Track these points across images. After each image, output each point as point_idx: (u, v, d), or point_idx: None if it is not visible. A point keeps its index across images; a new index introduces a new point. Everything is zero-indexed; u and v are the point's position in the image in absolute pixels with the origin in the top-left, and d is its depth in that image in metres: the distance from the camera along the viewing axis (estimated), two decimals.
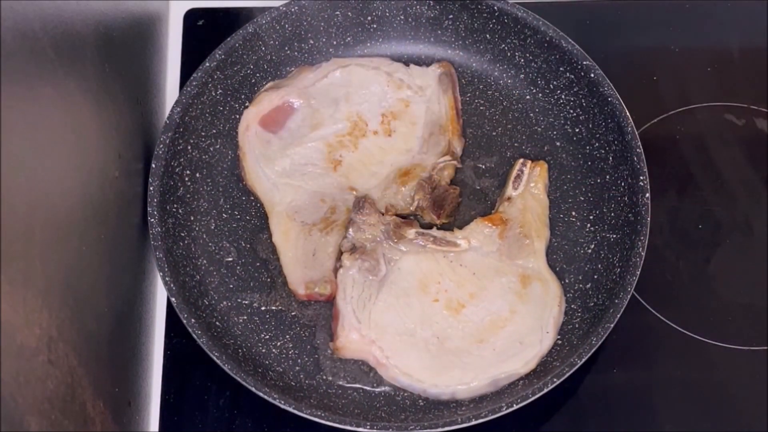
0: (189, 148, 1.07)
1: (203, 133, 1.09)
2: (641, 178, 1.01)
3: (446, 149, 1.08)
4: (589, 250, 1.05)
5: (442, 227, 1.06)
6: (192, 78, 1.07)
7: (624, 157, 1.04)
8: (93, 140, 0.91)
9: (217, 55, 1.08)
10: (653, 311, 1.05)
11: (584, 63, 1.07)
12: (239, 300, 1.03)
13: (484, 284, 1.01)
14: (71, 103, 0.84)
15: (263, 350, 1.01)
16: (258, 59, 1.12)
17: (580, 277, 1.04)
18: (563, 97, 1.11)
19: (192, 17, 1.21)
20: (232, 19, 1.20)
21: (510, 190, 1.06)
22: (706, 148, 1.14)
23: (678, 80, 1.18)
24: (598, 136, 1.08)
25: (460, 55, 1.15)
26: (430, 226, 1.06)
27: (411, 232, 1.03)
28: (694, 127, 1.15)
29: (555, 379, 0.93)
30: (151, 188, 1.02)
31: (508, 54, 1.13)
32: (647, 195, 1.01)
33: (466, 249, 1.03)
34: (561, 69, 1.10)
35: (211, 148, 1.09)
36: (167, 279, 0.98)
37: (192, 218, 1.06)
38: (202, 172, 1.08)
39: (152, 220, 1.01)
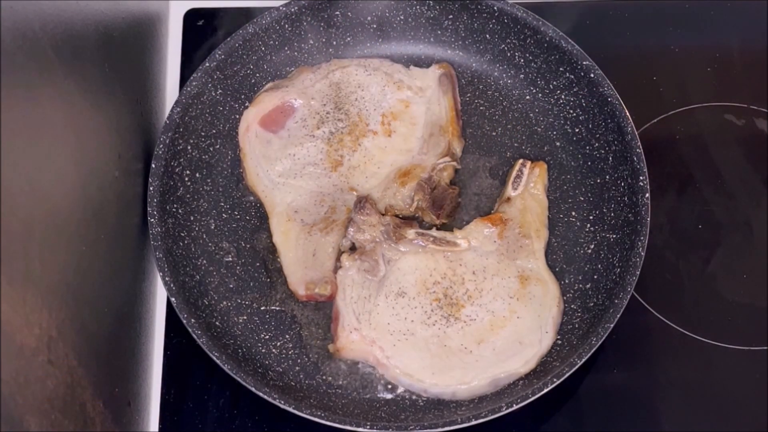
0: (189, 148, 1.07)
1: (203, 133, 1.09)
2: (641, 178, 1.01)
3: (446, 150, 1.08)
4: (589, 250, 1.05)
5: (441, 227, 1.06)
6: (192, 78, 1.07)
7: (624, 157, 1.04)
8: (93, 140, 0.91)
9: (217, 55, 1.08)
10: (653, 311, 1.05)
11: (584, 63, 1.07)
12: (239, 300, 1.03)
13: (483, 284, 1.01)
14: (71, 103, 0.84)
15: (263, 350, 1.01)
16: (258, 59, 1.12)
17: (580, 277, 1.04)
18: (563, 97, 1.11)
19: (192, 17, 1.21)
20: (232, 19, 1.20)
21: (509, 191, 1.06)
22: (706, 148, 1.14)
23: (678, 80, 1.18)
24: (598, 136, 1.08)
25: (460, 55, 1.15)
26: (429, 227, 1.06)
27: (411, 233, 1.03)
28: (694, 127, 1.15)
29: (555, 379, 0.93)
30: (151, 188, 1.02)
31: (508, 54, 1.13)
32: (647, 195, 1.01)
33: (466, 249, 1.03)
34: (561, 69, 1.10)
35: (211, 148, 1.09)
36: (167, 279, 0.98)
37: (192, 218, 1.06)
38: (202, 172, 1.08)
39: (152, 220, 1.01)
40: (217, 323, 1.01)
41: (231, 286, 1.04)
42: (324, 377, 0.99)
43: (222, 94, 1.10)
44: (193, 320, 0.96)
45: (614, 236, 1.03)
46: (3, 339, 0.65)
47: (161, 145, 1.04)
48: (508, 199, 1.06)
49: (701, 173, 1.13)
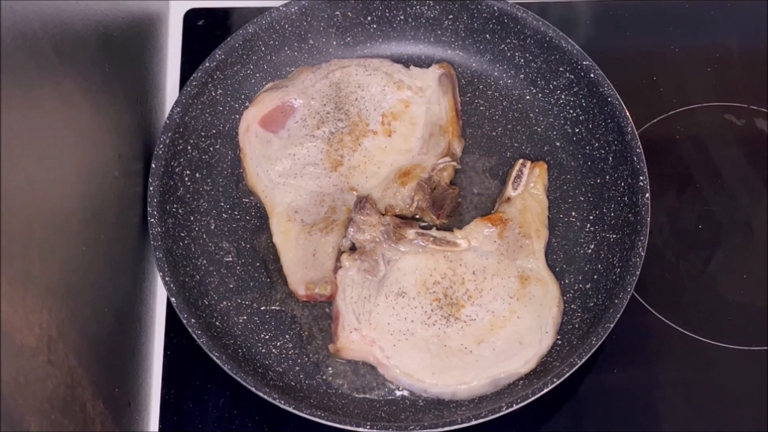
0: (189, 148, 1.07)
1: (203, 133, 1.09)
2: (641, 178, 1.01)
3: (446, 150, 1.08)
4: (589, 250, 1.05)
5: (441, 227, 1.06)
6: (192, 78, 1.07)
7: (624, 157, 1.04)
8: (93, 140, 0.91)
9: (217, 55, 1.08)
10: (653, 311, 1.05)
11: (584, 63, 1.07)
12: (239, 300, 1.03)
13: (483, 284, 1.01)
14: (71, 103, 0.84)
15: (263, 350, 1.01)
16: (258, 59, 1.12)
17: (580, 277, 1.04)
18: (563, 97, 1.11)
19: (192, 17, 1.21)
20: (232, 19, 1.20)
21: (509, 191, 1.06)
22: (706, 148, 1.14)
23: (678, 80, 1.18)
24: (598, 136, 1.08)
25: (460, 55, 1.15)
26: (429, 227, 1.06)
27: (411, 233, 1.03)
28: (694, 127, 1.15)
29: (555, 379, 0.93)
30: (151, 188, 1.02)
31: (508, 54, 1.13)
32: (647, 195, 1.01)
33: (466, 249, 1.03)
34: (561, 69, 1.10)
35: (211, 148, 1.09)
36: (167, 279, 0.98)
37: (192, 218, 1.06)
38: (202, 172, 1.08)
39: (152, 220, 1.01)
40: (217, 323, 1.01)
41: (231, 286, 1.04)
42: (324, 377, 0.99)
43: (222, 94, 1.10)
44: (193, 320, 0.96)
45: (614, 236, 1.03)
46: (3, 339, 0.65)
47: (161, 145, 1.04)
48: (508, 199, 1.06)
49: (701, 173, 1.13)
